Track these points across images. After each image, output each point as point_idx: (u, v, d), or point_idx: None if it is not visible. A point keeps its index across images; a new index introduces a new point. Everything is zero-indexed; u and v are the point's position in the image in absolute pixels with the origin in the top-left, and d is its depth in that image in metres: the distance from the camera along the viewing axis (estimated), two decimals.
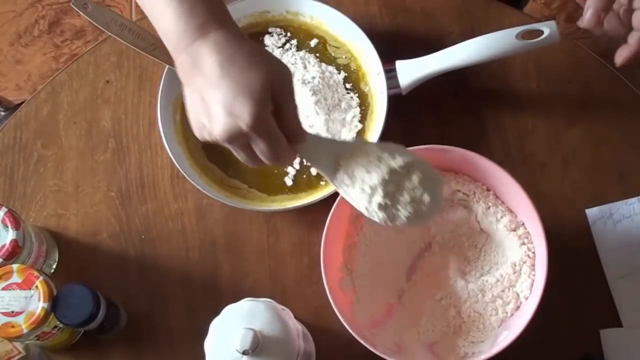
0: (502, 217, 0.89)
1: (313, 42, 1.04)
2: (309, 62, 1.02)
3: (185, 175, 0.96)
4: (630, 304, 0.91)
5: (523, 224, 0.89)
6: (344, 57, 1.03)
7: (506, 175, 0.85)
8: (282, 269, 0.97)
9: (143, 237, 0.99)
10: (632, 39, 0.79)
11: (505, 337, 0.82)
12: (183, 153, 0.99)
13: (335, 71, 1.02)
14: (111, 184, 1.01)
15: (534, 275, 0.86)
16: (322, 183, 0.98)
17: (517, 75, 1.02)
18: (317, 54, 1.03)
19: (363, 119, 1.00)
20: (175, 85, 1.01)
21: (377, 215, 0.75)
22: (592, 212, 0.95)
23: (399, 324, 0.89)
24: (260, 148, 0.69)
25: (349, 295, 0.88)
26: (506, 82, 1.02)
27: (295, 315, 0.88)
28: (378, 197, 0.73)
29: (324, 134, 0.97)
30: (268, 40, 1.04)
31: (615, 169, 0.97)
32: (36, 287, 0.85)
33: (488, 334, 0.86)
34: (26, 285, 0.85)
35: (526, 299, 0.86)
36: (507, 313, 0.86)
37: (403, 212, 0.74)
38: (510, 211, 0.90)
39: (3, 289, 0.85)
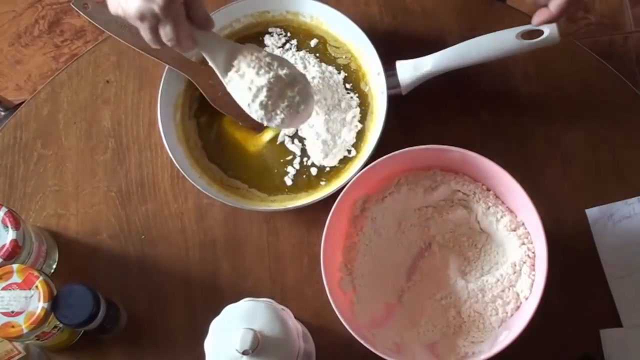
0: (502, 217, 0.89)
1: (313, 42, 1.04)
2: (309, 62, 1.02)
3: (185, 175, 0.96)
4: (630, 304, 0.91)
5: (523, 224, 0.89)
6: (344, 57, 1.03)
7: (506, 175, 0.85)
8: (282, 269, 0.97)
9: (143, 237, 0.99)
10: (552, 5, 0.85)
11: (505, 337, 0.82)
12: (183, 153, 0.99)
13: (335, 71, 1.02)
14: (111, 184, 1.01)
15: (534, 275, 0.86)
16: (322, 183, 0.98)
17: (517, 75, 1.02)
18: (317, 54, 1.03)
19: (363, 119, 1.00)
20: (175, 85, 1.01)
21: (257, 114, 0.88)
22: (592, 212, 0.95)
23: (399, 324, 0.89)
24: (165, 30, 0.80)
25: (349, 295, 0.88)
26: (506, 82, 1.02)
27: (295, 315, 0.88)
28: (262, 97, 0.86)
29: (324, 134, 0.98)
30: (268, 40, 1.04)
31: (615, 169, 0.97)
32: (36, 287, 0.85)
33: (488, 334, 0.86)
34: (26, 285, 0.85)
35: (526, 299, 0.86)
36: (507, 313, 0.86)
37: (279, 115, 0.87)
38: (510, 211, 0.90)
39: (3, 289, 0.85)
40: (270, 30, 1.05)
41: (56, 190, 1.01)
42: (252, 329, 0.75)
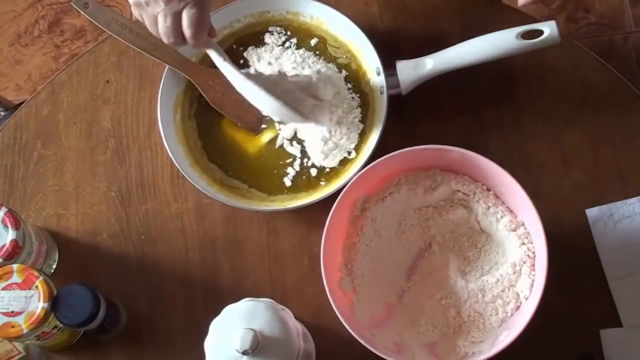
0: (502, 217, 0.89)
1: (313, 42, 1.04)
2: (309, 60, 1.02)
3: (185, 175, 0.96)
4: (630, 304, 0.91)
5: (523, 224, 0.89)
6: (344, 57, 1.03)
7: (506, 175, 0.85)
8: (282, 269, 0.97)
9: (143, 237, 0.99)
10: None
11: (506, 337, 0.82)
12: (183, 153, 0.99)
13: (337, 70, 1.02)
14: (111, 184, 1.01)
15: (534, 275, 0.86)
16: (322, 183, 0.98)
17: (517, 75, 1.02)
18: (317, 52, 1.03)
19: (363, 119, 1.00)
20: (175, 85, 1.01)
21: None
22: (592, 212, 0.95)
23: (399, 324, 0.89)
24: (189, 12, 0.80)
25: (349, 295, 0.88)
26: (506, 82, 1.02)
27: (295, 315, 0.88)
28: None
29: (325, 135, 0.98)
30: (268, 38, 1.04)
31: (615, 169, 0.97)
32: (36, 287, 0.85)
33: (488, 334, 0.86)
34: (26, 285, 0.85)
35: (526, 299, 0.86)
36: (507, 313, 0.86)
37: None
38: (510, 211, 0.90)
39: (3, 289, 0.85)
40: (270, 29, 1.04)
41: (56, 190, 1.01)
42: (252, 329, 0.75)
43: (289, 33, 1.04)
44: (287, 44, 1.04)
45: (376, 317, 0.89)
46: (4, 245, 0.88)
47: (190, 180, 0.95)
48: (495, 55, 0.94)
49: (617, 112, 1.00)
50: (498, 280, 0.87)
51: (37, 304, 0.84)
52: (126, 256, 0.98)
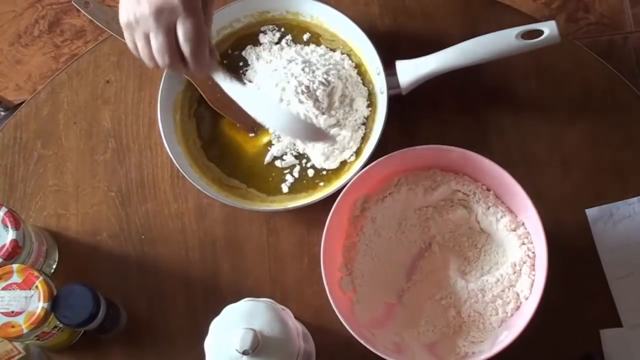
0: (502, 217, 0.89)
1: (305, 37, 1.03)
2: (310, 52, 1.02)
3: (185, 175, 0.96)
4: (630, 304, 0.91)
5: (523, 224, 0.89)
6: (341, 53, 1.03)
7: (506, 175, 0.85)
8: (282, 269, 0.97)
9: (143, 237, 0.99)
10: None
11: (506, 337, 0.82)
12: (183, 153, 0.99)
13: (347, 58, 1.02)
14: (111, 184, 1.01)
15: (534, 275, 0.86)
16: (322, 184, 0.98)
17: (517, 75, 1.02)
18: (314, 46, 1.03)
19: (364, 119, 1.00)
20: (175, 85, 1.01)
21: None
22: (592, 212, 0.95)
23: (399, 324, 0.89)
24: (185, 26, 0.71)
25: (349, 295, 0.88)
26: (506, 82, 1.02)
27: (295, 315, 0.88)
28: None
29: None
30: (263, 38, 1.04)
31: (615, 169, 0.97)
32: (36, 287, 0.85)
33: (488, 334, 0.86)
34: (26, 285, 0.85)
35: (526, 299, 0.86)
36: (507, 313, 0.86)
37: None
38: (510, 211, 0.90)
39: (3, 289, 0.85)
40: (262, 29, 1.04)
41: (56, 190, 1.01)
42: (252, 329, 0.75)
43: (282, 30, 1.04)
44: (284, 41, 1.04)
45: (376, 317, 0.89)
46: (4, 245, 0.88)
47: (190, 180, 0.95)
48: (495, 55, 0.94)
49: (617, 112, 1.00)
50: (498, 280, 0.87)
51: (37, 304, 0.84)
52: (126, 256, 0.98)
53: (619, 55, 1.77)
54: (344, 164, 0.98)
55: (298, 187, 0.98)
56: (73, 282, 0.86)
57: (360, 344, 0.81)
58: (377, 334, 0.86)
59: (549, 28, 0.92)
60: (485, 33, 0.95)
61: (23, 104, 1.06)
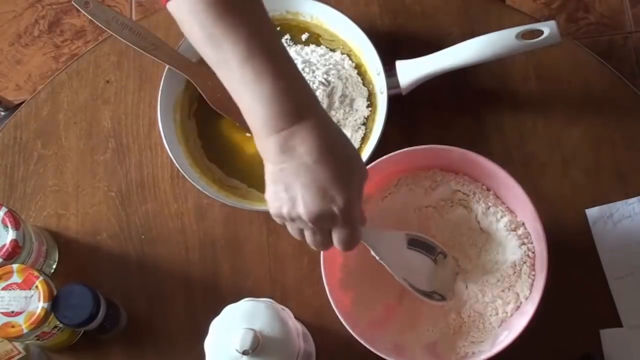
0: (502, 217, 0.89)
1: (304, 37, 1.03)
2: (315, 53, 1.02)
3: (185, 175, 0.96)
4: (630, 304, 0.91)
5: (523, 224, 0.89)
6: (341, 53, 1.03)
7: (506, 175, 0.85)
8: (282, 269, 0.97)
9: (143, 237, 0.99)
10: None
11: (506, 337, 0.82)
12: (183, 153, 0.99)
13: (347, 58, 1.02)
14: (111, 184, 1.01)
15: (534, 275, 0.86)
16: None
17: (517, 75, 1.02)
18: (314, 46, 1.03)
19: (364, 119, 0.99)
20: (175, 85, 1.01)
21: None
22: (592, 212, 0.95)
23: (399, 324, 0.89)
24: (341, 234, 0.71)
25: (349, 295, 0.88)
26: (506, 82, 1.02)
27: (295, 315, 0.88)
28: None
29: None
30: None
31: (615, 169, 0.97)
32: (36, 287, 0.85)
33: (488, 334, 0.86)
34: (26, 285, 0.85)
35: (526, 299, 0.86)
36: (507, 313, 0.86)
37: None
38: (510, 211, 0.90)
39: (3, 289, 0.85)
40: None
41: (56, 190, 1.01)
42: (252, 329, 0.75)
43: (279, 29, 1.04)
44: (283, 41, 1.04)
45: (376, 318, 0.89)
46: (4, 245, 0.88)
47: (190, 180, 0.95)
48: (495, 55, 0.94)
49: (617, 112, 1.00)
50: (498, 280, 0.87)
51: (37, 304, 0.84)
52: (126, 256, 0.98)
53: (619, 55, 1.77)
54: None
55: None
56: (73, 282, 0.86)
57: (360, 344, 0.81)
58: (377, 334, 0.86)
59: (549, 28, 0.92)
60: (485, 33, 0.95)
61: (23, 104, 1.06)
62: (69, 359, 0.95)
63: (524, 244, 0.88)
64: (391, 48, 1.00)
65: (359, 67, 1.02)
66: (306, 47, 1.02)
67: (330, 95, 0.97)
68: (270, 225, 0.98)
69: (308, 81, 0.96)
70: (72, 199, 1.01)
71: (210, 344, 0.78)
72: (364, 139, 0.98)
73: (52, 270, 0.97)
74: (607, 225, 0.94)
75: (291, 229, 0.73)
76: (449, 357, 0.86)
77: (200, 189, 0.95)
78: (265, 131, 0.69)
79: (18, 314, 0.84)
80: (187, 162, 0.98)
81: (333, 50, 1.02)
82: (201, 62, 1.01)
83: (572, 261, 0.92)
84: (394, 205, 0.91)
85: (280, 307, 0.84)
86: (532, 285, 0.86)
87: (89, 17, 0.96)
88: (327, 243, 0.72)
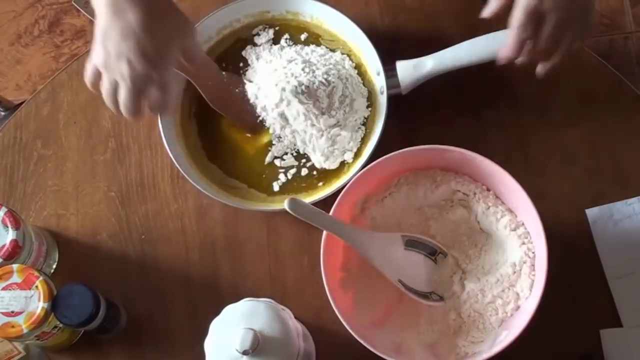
0: (502, 217, 0.89)
1: (303, 36, 1.03)
2: (315, 52, 1.02)
3: (185, 176, 0.96)
4: (630, 304, 0.91)
5: (523, 224, 0.89)
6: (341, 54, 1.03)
7: (506, 175, 0.85)
8: (282, 269, 0.97)
9: (143, 237, 0.99)
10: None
11: (505, 337, 0.82)
12: (183, 153, 0.99)
13: (348, 58, 1.02)
14: (111, 184, 1.01)
15: (534, 275, 0.86)
16: (321, 184, 0.98)
17: (517, 75, 1.02)
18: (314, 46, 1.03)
19: (364, 119, 1.00)
20: (175, 85, 1.01)
21: None
22: (592, 212, 0.95)
23: (399, 324, 0.89)
24: (152, 96, 0.82)
25: (349, 295, 0.88)
26: (506, 82, 1.02)
27: (296, 315, 0.88)
28: None
29: (327, 142, 0.98)
30: (259, 39, 1.04)
31: (615, 169, 0.97)
32: (36, 287, 0.85)
33: (488, 334, 0.86)
34: (26, 285, 0.85)
35: (526, 299, 0.86)
36: (507, 313, 0.86)
37: None
38: (510, 211, 0.90)
39: (3, 289, 0.85)
40: (255, 31, 1.04)
41: (56, 190, 1.01)
42: (252, 329, 0.75)
43: (277, 28, 1.04)
44: (284, 41, 1.04)
45: (376, 317, 0.89)
46: (4, 245, 0.88)
47: (190, 181, 0.95)
48: (496, 55, 0.94)
49: (617, 112, 1.00)
50: (498, 280, 0.87)
51: (37, 304, 0.84)
52: (126, 256, 0.98)
53: (619, 55, 1.77)
54: (343, 164, 0.98)
55: (297, 187, 0.98)
56: (73, 282, 0.86)
57: (360, 344, 0.81)
58: (377, 334, 0.86)
59: None
60: (485, 33, 0.95)
61: (23, 104, 1.06)
62: (69, 359, 0.95)
63: (524, 244, 0.88)
64: (391, 48, 1.00)
65: (359, 67, 1.02)
66: (306, 47, 1.02)
67: (330, 95, 0.97)
68: (270, 225, 0.98)
69: (308, 81, 0.96)
70: (72, 199, 1.01)
71: (210, 344, 0.78)
72: (364, 139, 0.98)
73: (52, 270, 0.97)
74: (607, 225, 0.94)
75: (107, 81, 0.83)
76: (448, 357, 0.86)
77: (200, 189, 0.95)
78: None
79: (18, 314, 0.84)
80: (187, 162, 0.98)
81: (333, 50, 1.02)
82: (202, 59, 1.02)
83: (572, 261, 0.92)
84: (394, 205, 0.91)
85: (280, 307, 0.84)
86: (532, 285, 0.86)
87: (89, 17, 0.96)
88: (136, 105, 0.82)
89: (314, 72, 0.98)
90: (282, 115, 0.98)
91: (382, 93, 0.98)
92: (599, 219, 0.95)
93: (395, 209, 0.92)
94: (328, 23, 1.03)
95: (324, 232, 0.85)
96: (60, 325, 0.87)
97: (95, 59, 0.82)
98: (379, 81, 0.98)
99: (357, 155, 0.98)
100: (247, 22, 1.05)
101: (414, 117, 1.00)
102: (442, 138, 0.90)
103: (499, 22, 1.00)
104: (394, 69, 0.97)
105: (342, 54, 1.02)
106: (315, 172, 0.98)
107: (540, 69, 0.91)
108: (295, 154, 0.99)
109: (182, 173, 0.96)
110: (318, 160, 0.98)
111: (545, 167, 0.98)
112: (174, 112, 1.00)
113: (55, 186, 1.02)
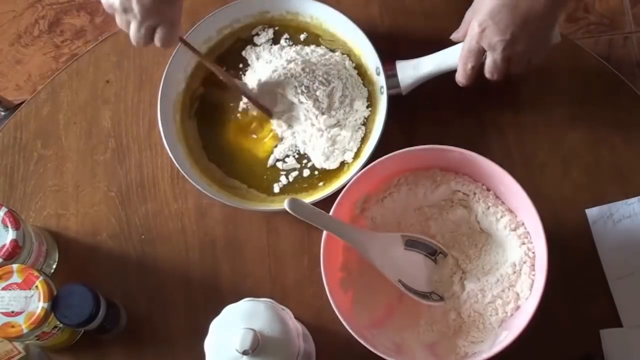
0: (502, 217, 0.89)
1: (302, 36, 1.04)
2: (314, 52, 1.02)
3: (185, 175, 0.96)
4: (630, 304, 0.91)
5: (523, 224, 0.89)
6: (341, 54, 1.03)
7: (506, 175, 0.85)
8: (282, 269, 0.97)
9: (143, 237, 0.99)
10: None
11: (505, 337, 0.82)
12: (183, 153, 0.99)
13: (347, 58, 1.02)
14: (111, 184, 1.01)
15: (534, 275, 0.86)
16: (322, 184, 0.98)
17: (517, 76, 1.01)
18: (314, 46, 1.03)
19: (364, 119, 1.00)
20: (175, 85, 1.01)
21: None
22: (592, 212, 0.95)
23: (399, 324, 0.89)
24: (163, 33, 0.86)
25: (349, 295, 0.88)
26: (506, 82, 1.01)
27: (295, 315, 0.88)
28: None
29: (327, 142, 0.98)
30: (258, 40, 1.04)
31: (615, 169, 0.97)
32: (36, 287, 0.85)
33: (488, 334, 0.86)
34: (26, 285, 0.85)
35: (526, 299, 0.86)
36: (507, 313, 0.86)
37: None
38: (510, 211, 0.90)
39: (3, 289, 0.85)
40: (254, 31, 1.04)
41: (56, 190, 1.01)
42: (252, 329, 0.75)
43: (277, 28, 1.04)
44: (284, 41, 1.04)
45: (376, 317, 0.89)
46: (4, 245, 0.88)
47: (190, 180, 0.95)
48: None
49: (617, 112, 1.00)
50: (498, 280, 0.87)
51: (37, 304, 0.84)
52: (126, 256, 0.98)
53: (619, 55, 1.77)
54: (343, 164, 0.98)
55: (298, 187, 0.98)
56: (73, 282, 0.86)
57: (360, 344, 0.81)
58: (377, 334, 0.86)
59: None
60: None
61: (23, 104, 1.06)
62: (69, 359, 0.95)
63: (524, 244, 0.88)
64: (391, 48, 1.00)
65: (359, 67, 1.02)
66: (306, 47, 1.03)
67: (330, 95, 0.97)
68: (270, 225, 0.98)
69: (308, 81, 0.96)
70: (72, 199, 1.01)
71: (210, 344, 0.78)
72: (364, 139, 0.98)
73: (52, 270, 0.97)
74: (607, 225, 0.94)
75: (119, 20, 0.87)
76: (448, 357, 0.86)
77: (200, 189, 0.95)
78: None
79: (18, 314, 0.84)
80: (187, 162, 0.98)
81: (333, 51, 1.02)
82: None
83: (572, 261, 0.92)
84: (394, 205, 0.91)
85: (280, 307, 0.84)
86: (532, 285, 0.86)
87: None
88: (147, 40, 0.87)
89: (313, 72, 0.98)
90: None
91: (382, 93, 0.98)
92: (599, 219, 0.95)
93: (395, 209, 0.92)
94: (328, 23, 1.03)
95: (324, 232, 0.85)
96: (60, 325, 0.87)
97: (105, 1, 0.86)
98: (379, 81, 0.98)
99: (357, 155, 0.98)
100: (247, 22, 1.05)
101: (414, 117, 1.00)
102: (442, 138, 0.90)
103: None
104: (394, 69, 0.97)
105: (342, 54, 1.02)
106: (316, 172, 0.98)
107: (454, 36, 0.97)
108: (297, 155, 0.99)
109: (182, 173, 0.96)
110: (318, 160, 0.98)
111: (545, 167, 0.98)
112: (174, 111, 1.01)
113: (55, 186, 1.02)
